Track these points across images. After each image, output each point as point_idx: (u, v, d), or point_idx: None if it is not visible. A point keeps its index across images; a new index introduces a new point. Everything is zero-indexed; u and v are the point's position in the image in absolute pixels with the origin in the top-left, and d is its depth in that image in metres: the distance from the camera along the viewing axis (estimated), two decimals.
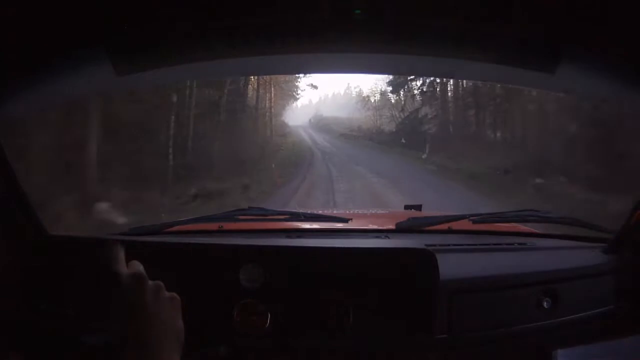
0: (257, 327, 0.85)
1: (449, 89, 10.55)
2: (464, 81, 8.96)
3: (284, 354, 0.87)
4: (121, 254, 0.59)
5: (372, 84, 12.95)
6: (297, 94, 12.40)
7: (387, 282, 0.86)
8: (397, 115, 11.66)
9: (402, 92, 11.68)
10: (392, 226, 1.19)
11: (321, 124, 14.89)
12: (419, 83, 10.69)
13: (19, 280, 0.75)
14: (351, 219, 1.19)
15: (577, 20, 0.64)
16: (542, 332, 0.91)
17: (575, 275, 0.96)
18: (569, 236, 1.20)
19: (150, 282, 0.58)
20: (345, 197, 6.22)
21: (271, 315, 0.85)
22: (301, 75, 10.83)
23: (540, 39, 0.69)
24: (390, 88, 12.00)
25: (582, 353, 0.87)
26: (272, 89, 10.90)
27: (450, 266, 0.89)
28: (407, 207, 1.50)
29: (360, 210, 2.07)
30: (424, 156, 9.10)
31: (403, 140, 10.69)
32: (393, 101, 12.16)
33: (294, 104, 13.19)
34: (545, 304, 0.92)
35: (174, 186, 5.84)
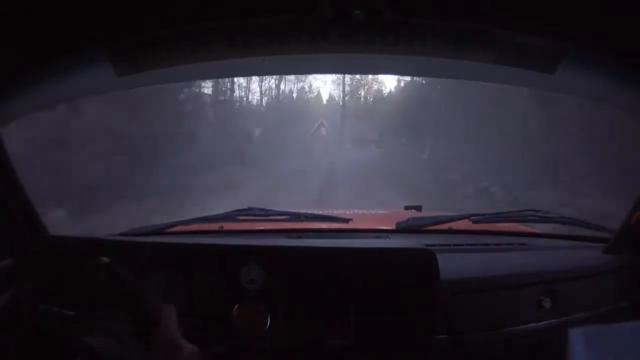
0: (257, 327, 0.85)
1: None
2: None
3: (283, 354, 0.87)
4: None
5: None
6: None
7: (387, 283, 0.86)
8: None
9: None
10: (392, 226, 1.19)
11: None
12: None
13: (19, 281, 0.75)
14: (351, 219, 1.19)
15: (577, 20, 0.64)
16: (543, 332, 0.91)
17: (575, 275, 0.96)
18: (569, 236, 1.20)
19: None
20: None
21: (271, 316, 0.85)
22: None
23: (541, 40, 0.69)
24: None
25: (599, 330, 0.86)
26: None
27: (451, 266, 0.89)
28: (407, 208, 1.51)
29: (361, 211, 2.07)
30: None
31: None
32: None
33: None
34: (545, 304, 0.92)
35: None
